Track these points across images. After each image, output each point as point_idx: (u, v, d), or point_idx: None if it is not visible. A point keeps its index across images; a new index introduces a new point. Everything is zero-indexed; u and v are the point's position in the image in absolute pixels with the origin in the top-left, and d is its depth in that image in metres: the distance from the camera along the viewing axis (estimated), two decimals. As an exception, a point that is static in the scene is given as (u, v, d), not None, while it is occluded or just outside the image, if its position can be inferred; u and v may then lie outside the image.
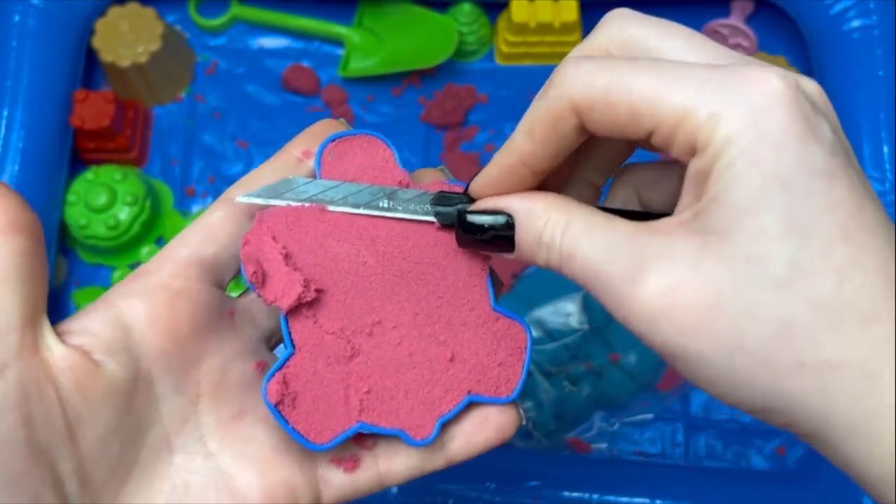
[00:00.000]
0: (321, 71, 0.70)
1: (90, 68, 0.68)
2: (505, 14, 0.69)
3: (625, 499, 0.53)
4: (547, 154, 0.25)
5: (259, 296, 0.28)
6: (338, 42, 0.71)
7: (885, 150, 0.59)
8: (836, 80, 0.62)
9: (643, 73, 0.23)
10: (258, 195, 0.29)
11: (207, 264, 0.29)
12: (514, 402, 0.31)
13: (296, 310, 0.28)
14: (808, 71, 0.65)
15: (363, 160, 0.30)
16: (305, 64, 0.70)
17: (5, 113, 0.61)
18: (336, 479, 0.29)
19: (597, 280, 0.24)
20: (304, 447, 0.28)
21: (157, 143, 0.68)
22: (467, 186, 0.28)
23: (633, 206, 0.29)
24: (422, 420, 0.29)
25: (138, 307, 0.27)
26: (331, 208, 0.29)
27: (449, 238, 0.29)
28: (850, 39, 0.62)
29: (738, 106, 0.22)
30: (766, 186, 0.22)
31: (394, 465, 0.30)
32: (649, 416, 0.60)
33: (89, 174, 0.63)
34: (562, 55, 0.70)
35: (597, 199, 0.29)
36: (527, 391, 0.59)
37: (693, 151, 0.23)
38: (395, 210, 0.29)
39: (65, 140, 0.64)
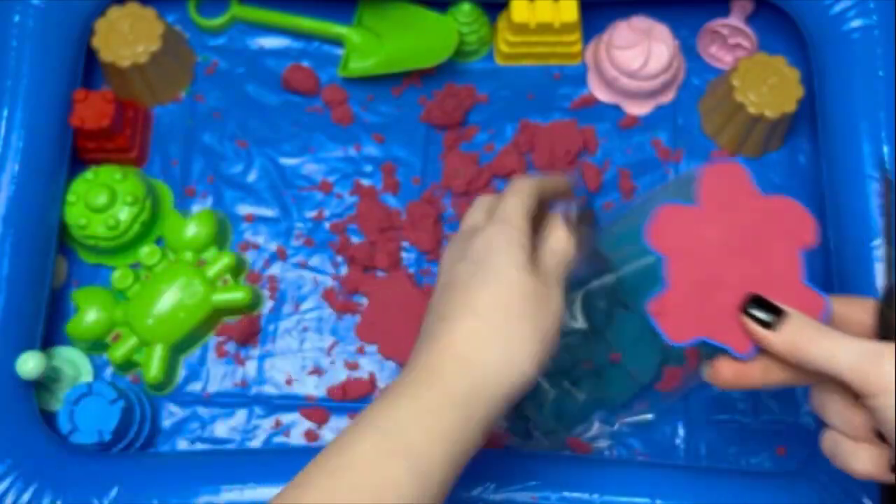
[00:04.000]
0: (321, 71, 0.70)
1: (90, 68, 0.68)
2: (505, 14, 0.69)
3: (625, 499, 0.53)
4: None
5: None
6: (338, 42, 0.71)
7: (885, 150, 0.59)
8: (836, 80, 0.62)
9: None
10: None
11: None
12: None
13: (677, 259, 0.44)
14: (807, 71, 0.65)
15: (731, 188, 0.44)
16: (305, 64, 0.70)
17: (5, 113, 0.61)
18: None
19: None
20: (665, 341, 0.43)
21: (157, 143, 0.68)
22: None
23: None
24: (745, 342, 0.42)
25: None
26: None
27: (776, 231, 0.44)
28: (850, 39, 0.62)
29: None
30: None
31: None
32: (649, 416, 0.60)
33: (89, 174, 0.63)
34: (562, 55, 0.70)
35: None
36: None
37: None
38: None
39: (65, 140, 0.64)
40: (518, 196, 0.48)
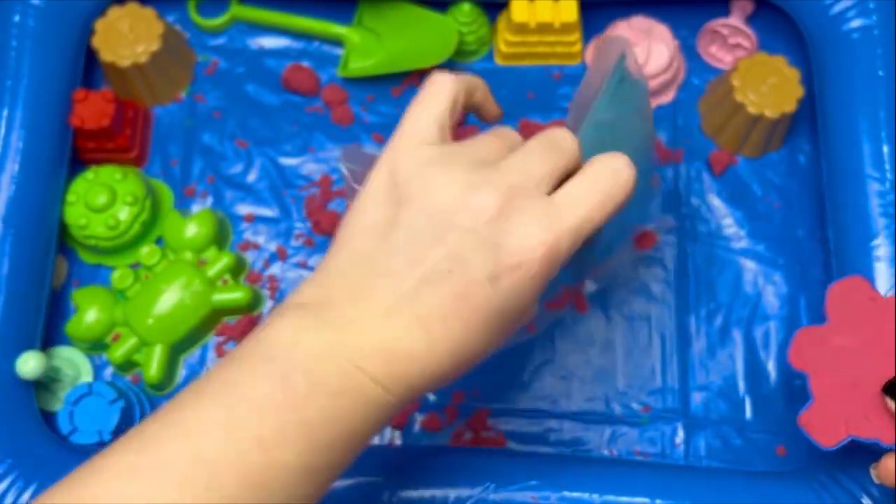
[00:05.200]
0: (321, 71, 0.70)
1: (90, 68, 0.68)
2: (505, 14, 0.69)
3: (625, 499, 0.53)
4: None
5: None
6: (338, 42, 0.71)
7: (885, 149, 0.59)
8: (836, 80, 0.62)
9: None
10: None
11: None
12: None
13: (816, 373, 0.47)
14: (808, 71, 0.65)
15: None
16: (305, 64, 0.70)
17: (5, 113, 0.61)
18: None
19: None
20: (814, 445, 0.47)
21: (157, 143, 0.68)
22: None
23: None
24: (891, 432, 0.46)
25: None
26: None
27: None
28: (850, 39, 0.62)
29: None
30: None
31: None
32: (647, 411, 0.60)
33: (89, 174, 0.63)
34: (562, 55, 0.70)
35: None
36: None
37: None
38: None
39: (65, 140, 0.64)
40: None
